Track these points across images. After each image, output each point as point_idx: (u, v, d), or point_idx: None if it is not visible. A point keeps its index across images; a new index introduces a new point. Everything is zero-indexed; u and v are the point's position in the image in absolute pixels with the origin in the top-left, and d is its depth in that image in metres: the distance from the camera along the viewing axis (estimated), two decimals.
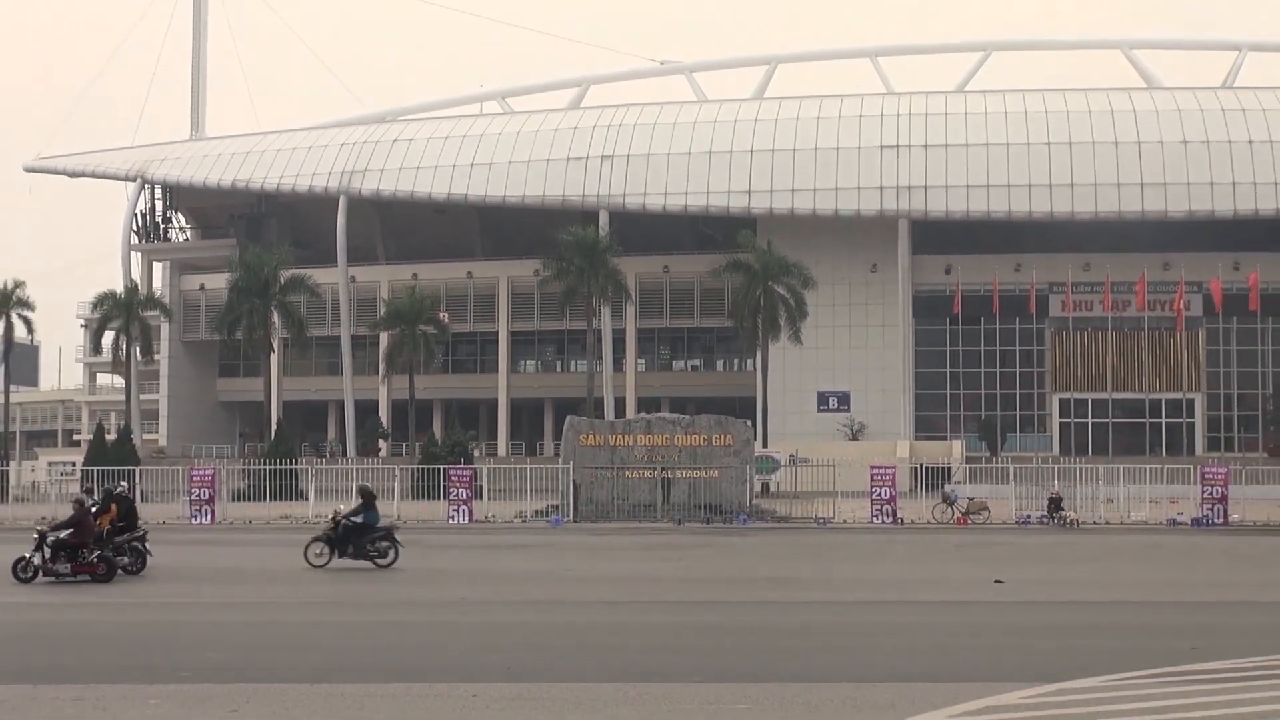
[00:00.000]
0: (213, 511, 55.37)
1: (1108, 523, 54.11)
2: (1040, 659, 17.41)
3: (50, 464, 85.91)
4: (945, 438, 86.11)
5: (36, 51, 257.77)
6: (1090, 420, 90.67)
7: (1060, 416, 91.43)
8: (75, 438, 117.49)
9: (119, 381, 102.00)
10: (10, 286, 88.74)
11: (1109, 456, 74.56)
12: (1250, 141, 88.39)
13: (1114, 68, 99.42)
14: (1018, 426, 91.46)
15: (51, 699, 14.78)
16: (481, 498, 58.21)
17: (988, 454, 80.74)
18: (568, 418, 62.56)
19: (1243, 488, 57.19)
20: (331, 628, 21.43)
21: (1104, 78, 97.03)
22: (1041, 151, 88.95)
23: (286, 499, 61.26)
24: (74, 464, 79.62)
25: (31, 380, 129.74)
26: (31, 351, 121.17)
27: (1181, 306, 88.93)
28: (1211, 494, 54.34)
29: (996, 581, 29.00)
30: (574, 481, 56.25)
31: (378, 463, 78.54)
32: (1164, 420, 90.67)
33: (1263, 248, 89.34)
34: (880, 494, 55.45)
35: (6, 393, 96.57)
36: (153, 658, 18.15)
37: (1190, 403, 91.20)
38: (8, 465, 71.80)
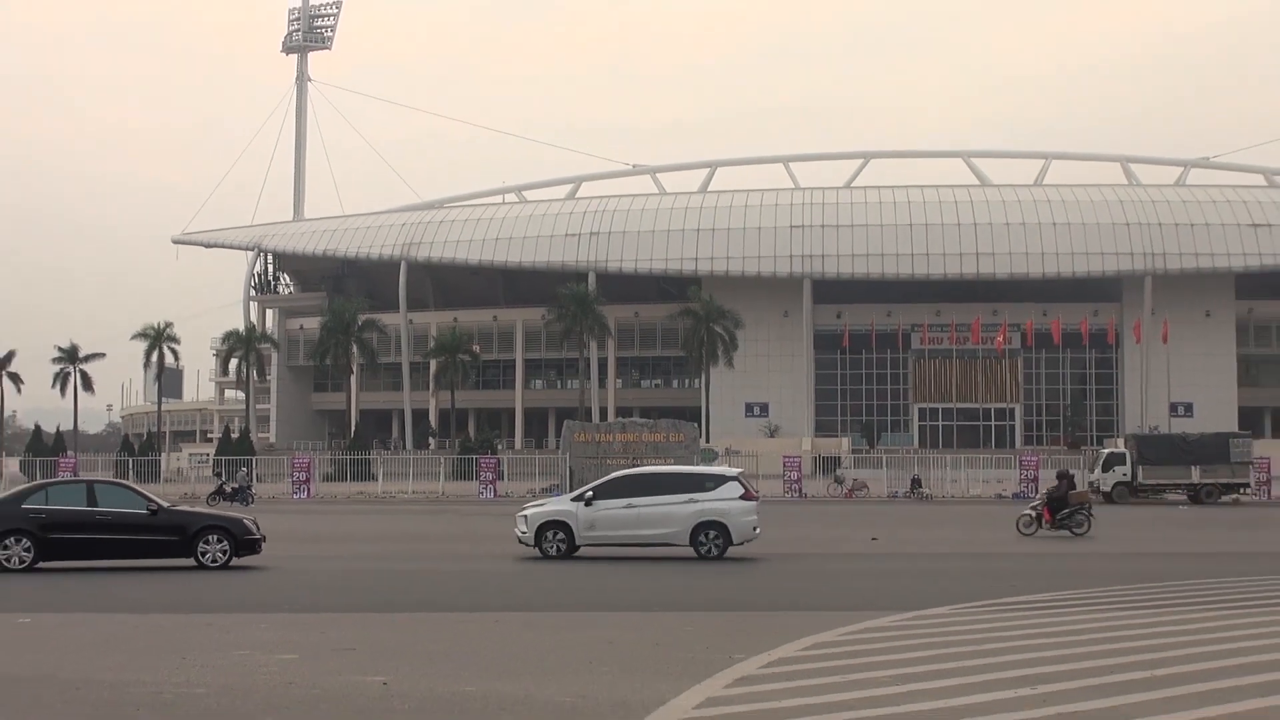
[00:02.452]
0: (309, 489, 55.29)
1: (953, 496, 54.40)
2: (905, 594, 17.44)
3: (190, 455, 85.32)
4: (837, 435, 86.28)
5: (181, 153, 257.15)
6: (940, 423, 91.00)
7: (919, 420, 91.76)
8: (209, 436, 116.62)
9: (241, 395, 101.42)
10: (162, 326, 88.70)
11: (954, 449, 74.76)
12: (1054, 224, 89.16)
13: (957, 171, 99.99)
14: (889, 427, 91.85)
15: (187, 624, 14.71)
16: (503, 479, 58.20)
17: (867, 447, 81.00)
18: (565, 421, 62.49)
19: (1048, 471, 57.34)
20: (392, 575, 21.30)
21: (950, 178, 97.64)
22: (905, 230, 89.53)
23: (361, 480, 61.14)
24: (207, 455, 79.15)
25: (177, 394, 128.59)
26: (177, 373, 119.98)
27: (1004, 341, 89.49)
28: (1027, 476, 54.70)
29: (873, 539, 29.08)
30: (570, 467, 56.08)
31: (428, 454, 78.24)
32: (993, 423, 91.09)
33: (1063, 299, 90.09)
34: (790, 476, 55.73)
35: (160, 403, 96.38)
36: (263, 596, 18.05)
37: (1012, 410, 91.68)
38: (160, 456, 71.35)
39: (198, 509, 25.03)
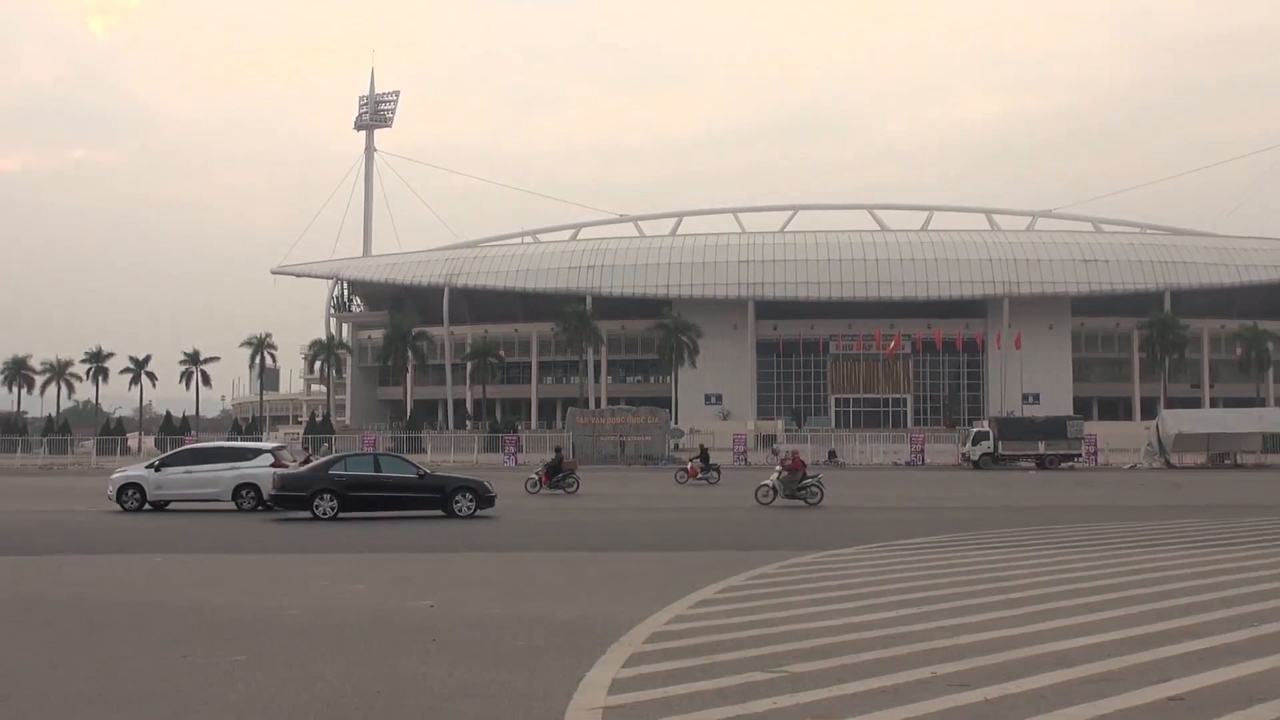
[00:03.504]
0: None
1: (860, 465, 54.48)
2: (823, 538, 17.45)
3: (284, 434, 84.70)
4: (773, 418, 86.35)
5: (276, 205, 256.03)
6: (851, 409, 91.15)
7: (835, 407, 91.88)
8: (298, 420, 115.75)
9: (323, 389, 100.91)
10: (263, 336, 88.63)
11: (861, 428, 74.90)
12: (936, 259, 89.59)
13: (863, 219, 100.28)
14: (813, 412, 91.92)
15: (271, 561, 14.63)
16: (522, 451, 57.94)
17: (796, 427, 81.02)
18: (569, 409, 62.57)
19: (932, 445, 57.82)
20: (430, 525, 21.16)
21: (859, 225, 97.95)
22: (825, 265, 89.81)
23: (414, 453, 60.65)
24: (298, 434, 78.59)
25: (274, 388, 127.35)
26: (275, 372, 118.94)
27: (898, 347, 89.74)
28: (916, 448, 54.97)
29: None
30: (572, 443, 56.13)
31: (465, 433, 77.92)
32: (891, 409, 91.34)
33: (942, 316, 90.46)
34: (738, 449, 55.61)
35: (261, 395, 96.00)
36: (330, 541, 17.93)
37: (904, 400, 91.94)
38: (261, 436, 70.88)
39: (452, 474, 24.63)
